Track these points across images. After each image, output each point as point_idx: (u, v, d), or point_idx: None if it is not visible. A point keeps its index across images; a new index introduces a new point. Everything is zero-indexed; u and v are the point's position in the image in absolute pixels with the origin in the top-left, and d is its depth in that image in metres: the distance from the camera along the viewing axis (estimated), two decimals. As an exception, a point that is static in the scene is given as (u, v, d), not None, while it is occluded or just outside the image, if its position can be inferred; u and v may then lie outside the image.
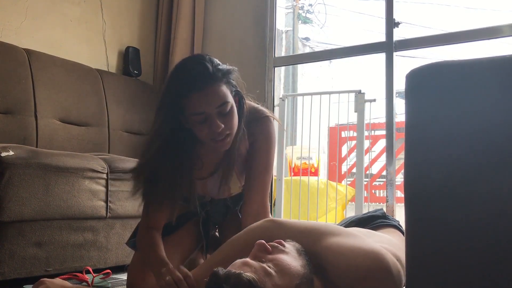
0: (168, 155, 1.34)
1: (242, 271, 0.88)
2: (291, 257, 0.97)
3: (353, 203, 2.82)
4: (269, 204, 1.50)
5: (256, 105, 1.50)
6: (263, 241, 0.98)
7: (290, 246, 1.00)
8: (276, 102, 2.97)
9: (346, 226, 1.45)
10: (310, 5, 6.34)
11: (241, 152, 1.46)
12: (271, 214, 2.89)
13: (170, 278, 1.16)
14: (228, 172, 1.45)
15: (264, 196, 1.46)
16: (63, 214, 1.80)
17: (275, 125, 3.04)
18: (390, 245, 1.14)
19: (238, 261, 0.94)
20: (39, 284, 1.36)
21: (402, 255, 1.02)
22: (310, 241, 1.05)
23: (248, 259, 0.94)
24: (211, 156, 1.47)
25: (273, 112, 2.92)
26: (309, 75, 6.56)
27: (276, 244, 0.99)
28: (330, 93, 2.91)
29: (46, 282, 1.37)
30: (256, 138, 1.46)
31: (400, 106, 2.85)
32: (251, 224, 1.37)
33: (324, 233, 1.06)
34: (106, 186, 1.96)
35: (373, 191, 4.98)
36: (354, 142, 3.88)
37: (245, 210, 1.46)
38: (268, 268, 0.92)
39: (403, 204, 0.95)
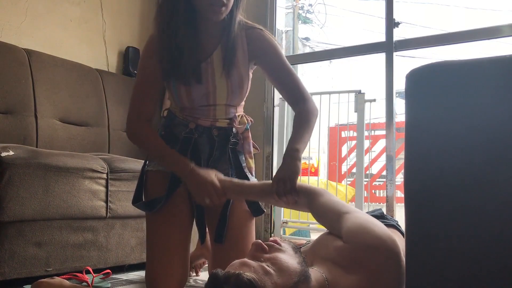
0: (177, 27, 1.43)
1: (241, 271, 0.89)
2: (287, 255, 0.98)
3: (353, 203, 2.82)
4: (306, 90, 1.58)
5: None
6: (259, 240, 0.99)
7: (285, 245, 1.02)
8: (276, 102, 2.96)
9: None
10: (310, 5, 6.35)
11: (237, 58, 1.51)
12: (272, 213, 2.89)
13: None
14: (229, 53, 1.49)
15: (299, 85, 1.56)
16: (63, 214, 1.80)
17: (275, 126, 3.01)
18: None
19: (237, 261, 0.95)
20: (36, 286, 1.35)
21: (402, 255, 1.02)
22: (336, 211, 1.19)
23: (246, 259, 0.95)
24: (207, 38, 1.53)
25: (273, 112, 2.92)
26: (309, 75, 6.56)
27: (272, 243, 1.00)
28: (330, 93, 2.91)
29: (44, 283, 1.36)
30: (266, 51, 1.55)
31: (400, 106, 2.85)
32: (302, 109, 1.54)
33: (348, 209, 1.19)
34: (106, 186, 1.96)
35: (373, 191, 4.98)
36: (354, 142, 3.88)
37: (288, 100, 1.61)
38: (267, 267, 0.93)
39: (403, 204, 0.95)
